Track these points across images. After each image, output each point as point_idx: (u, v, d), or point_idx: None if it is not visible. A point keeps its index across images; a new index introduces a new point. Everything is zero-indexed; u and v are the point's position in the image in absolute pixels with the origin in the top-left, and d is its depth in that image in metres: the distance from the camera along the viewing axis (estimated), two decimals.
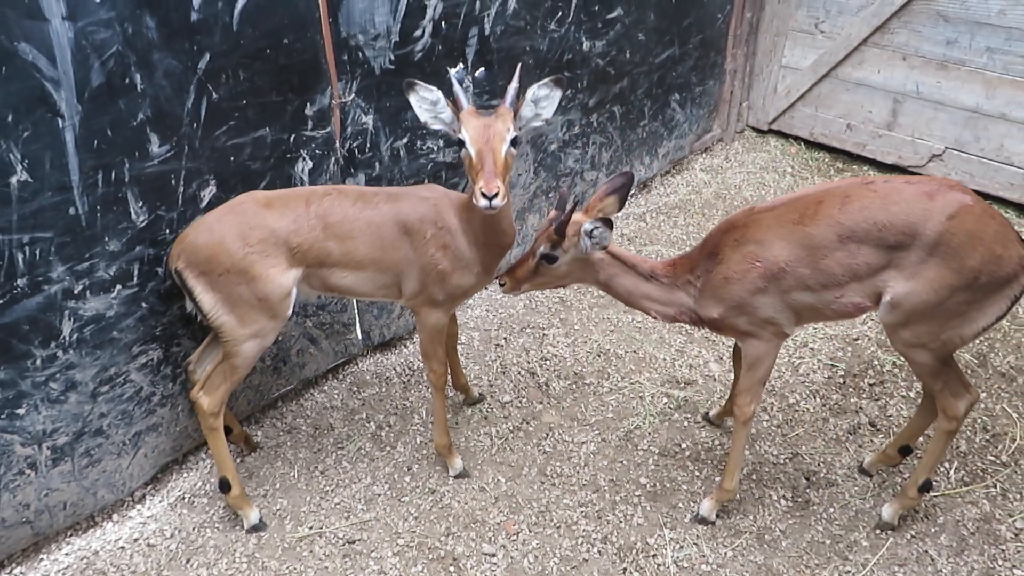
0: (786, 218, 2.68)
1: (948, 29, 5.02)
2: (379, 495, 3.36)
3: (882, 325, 2.76)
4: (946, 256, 2.51)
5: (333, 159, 3.42)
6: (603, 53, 4.61)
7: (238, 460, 3.50)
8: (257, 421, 3.71)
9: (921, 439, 3.35)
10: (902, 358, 3.94)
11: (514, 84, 2.74)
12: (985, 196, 4.90)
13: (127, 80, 2.62)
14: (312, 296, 3.31)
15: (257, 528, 3.20)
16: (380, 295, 3.10)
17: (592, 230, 2.67)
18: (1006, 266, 2.53)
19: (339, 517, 3.25)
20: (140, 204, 2.83)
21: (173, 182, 2.90)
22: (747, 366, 2.90)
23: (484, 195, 2.57)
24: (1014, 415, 3.61)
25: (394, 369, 4.05)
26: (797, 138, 6.15)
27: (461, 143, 2.69)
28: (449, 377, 3.51)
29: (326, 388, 3.94)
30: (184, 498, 3.34)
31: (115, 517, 3.25)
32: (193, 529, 3.21)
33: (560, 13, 4.17)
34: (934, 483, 3.05)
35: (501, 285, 2.92)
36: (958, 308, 2.59)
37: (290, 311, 2.93)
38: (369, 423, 3.73)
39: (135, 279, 2.92)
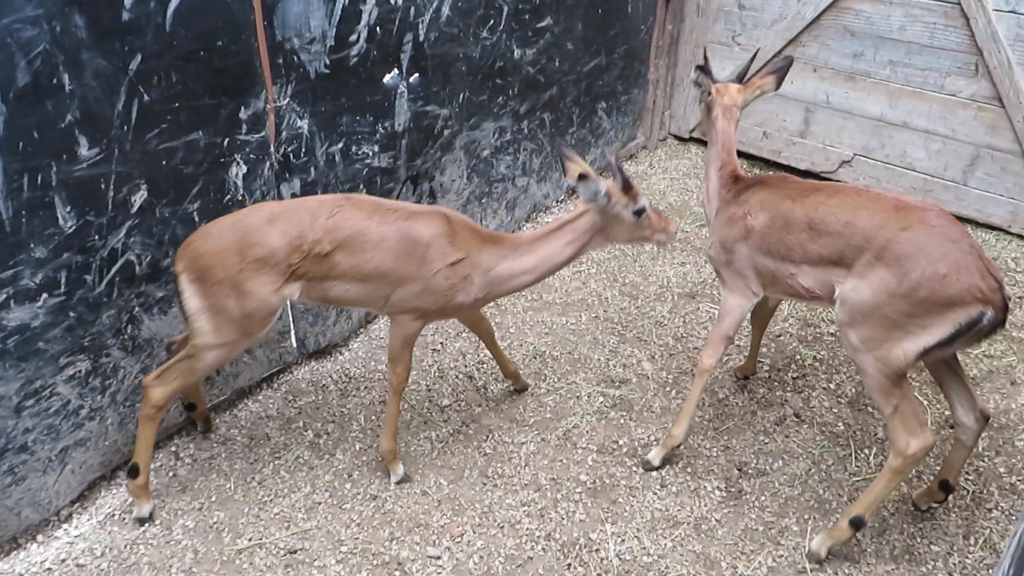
0: (790, 192, 3.04)
1: (855, 43, 5.32)
2: (320, 503, 3.31)
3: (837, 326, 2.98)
4: (890, 262, 2.67)
5: (268, 164, 3.37)
6: (533, 61, 4.70)
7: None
8: (189, 433, 3.60)
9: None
10: (822, 352, 4.18)
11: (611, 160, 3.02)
12: None
13: (55, 80, 2.53)
14: (308, 304, 3.31)
15: (143, 521, 3.18)
16: (368, 306, 3.12)
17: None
18: (949, 288, 2.57)
19: (279, 527, 3.20)
20: (68, 209, 2.73)
21: (103, 186, 2.81)
22: (718, 318, 3.23)
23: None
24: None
25: (330, 376, 4.01)
26: None
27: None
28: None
29: (260, 398, 3.86)
30: (114, 515, 3.21)
31: (40, 538, 3.10)
32: (125, 547, 3.09)
33: (492, 21, 4.24)
34: (866, 519, 2.94)
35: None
36: (898, 317, 2.66)
37: (266, 332, 2.98)
38: (307, 432, 3.67)
39: (62, 287, 2.81)
